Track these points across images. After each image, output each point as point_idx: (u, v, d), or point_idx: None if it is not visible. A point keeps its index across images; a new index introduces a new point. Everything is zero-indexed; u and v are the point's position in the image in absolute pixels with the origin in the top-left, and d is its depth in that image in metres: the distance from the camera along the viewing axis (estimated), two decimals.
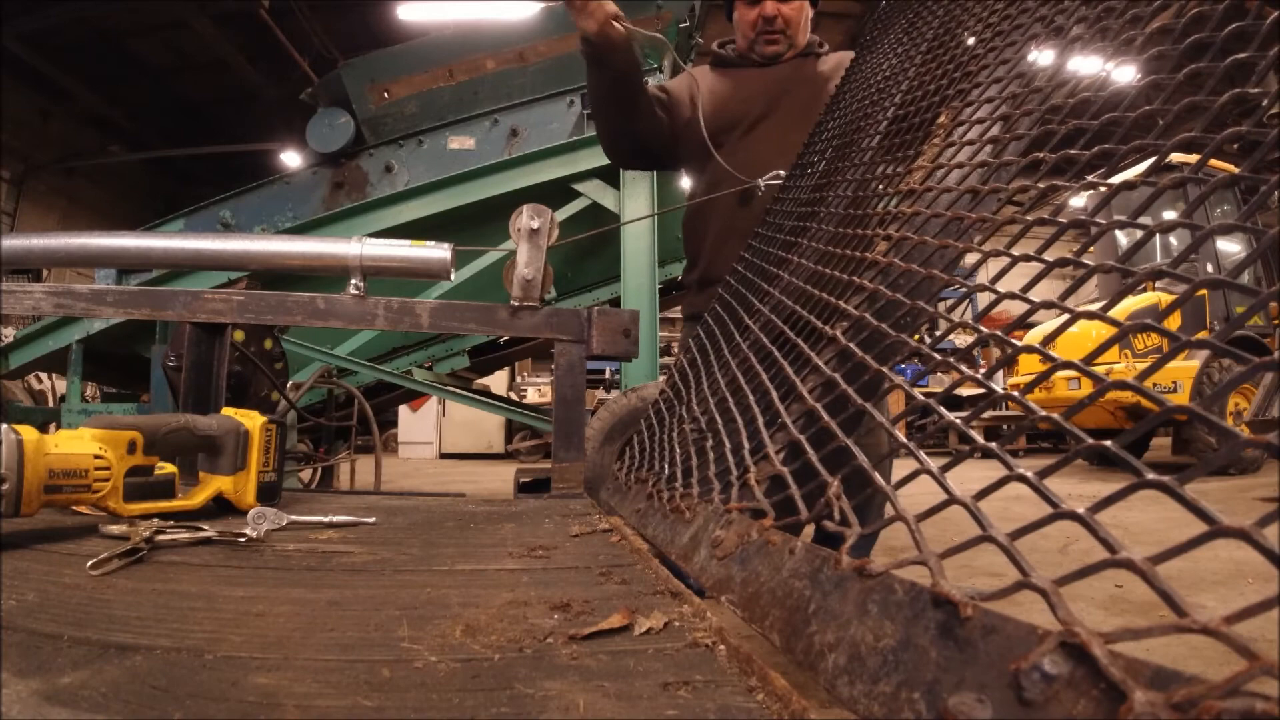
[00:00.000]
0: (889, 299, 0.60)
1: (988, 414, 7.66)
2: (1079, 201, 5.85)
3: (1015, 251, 0.49)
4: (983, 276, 0.61)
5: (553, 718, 0.36)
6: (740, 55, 1.83)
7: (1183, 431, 5.50)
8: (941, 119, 0.82)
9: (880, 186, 0.87)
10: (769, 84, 1.76)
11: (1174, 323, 5.48)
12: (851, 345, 0.59)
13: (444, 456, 10.62)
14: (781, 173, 1.52)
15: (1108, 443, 0.32)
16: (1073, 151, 0.50)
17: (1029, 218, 0.50)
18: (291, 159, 9.08)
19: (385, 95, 3.96)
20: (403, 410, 9.97)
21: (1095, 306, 0.40)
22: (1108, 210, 0.50)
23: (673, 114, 1.79)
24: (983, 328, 0.49)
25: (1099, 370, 0.40)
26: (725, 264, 1.66)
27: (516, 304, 1.29)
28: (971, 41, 0.88)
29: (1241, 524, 0.24)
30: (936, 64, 0.93)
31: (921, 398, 0.51)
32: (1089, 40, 0.59)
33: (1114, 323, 0.39)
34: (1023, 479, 0.35)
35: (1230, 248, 5.95)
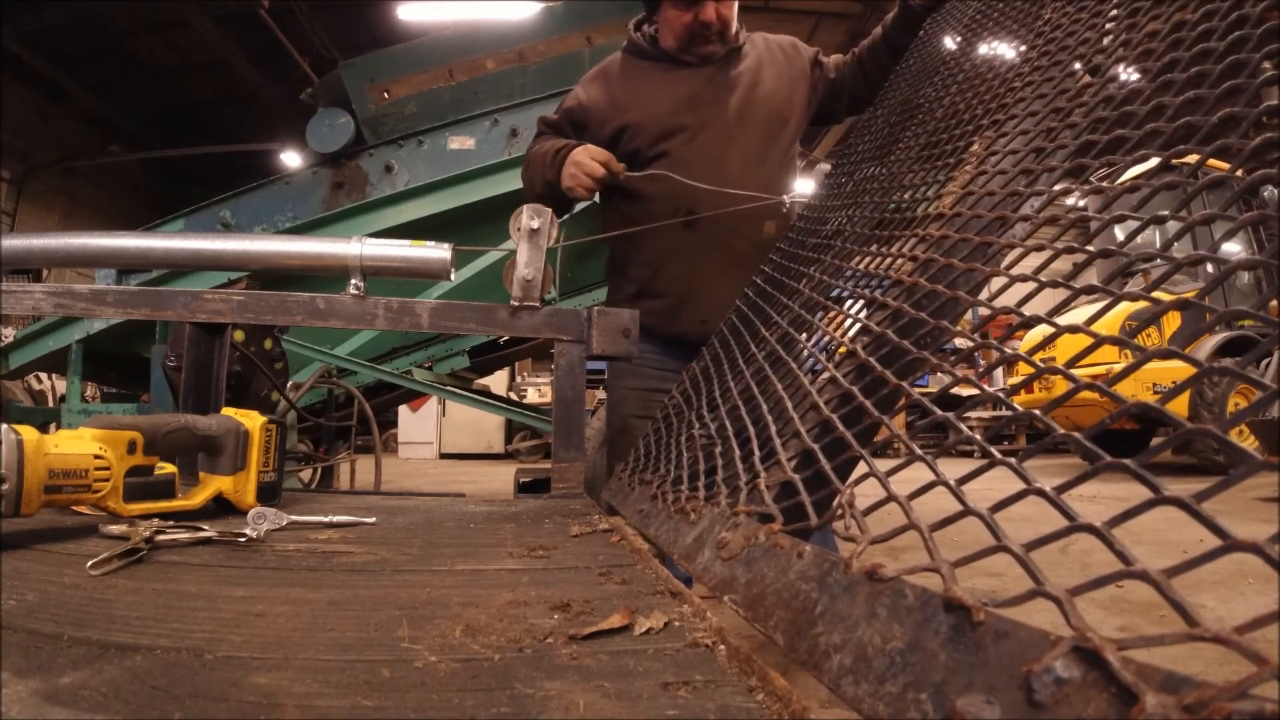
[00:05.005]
0: (913, 317, 0.60)
1: (988, 415, 7.68)
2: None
3: (1028, 264, 0.49)
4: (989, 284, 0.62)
5: (553, 718, 0.36)
6: (664, 52, 1.70)
7: None
8: (974, 147, 0.83)
9: (908, 195, 0.88)
10: (700, 89, 1.67)
11: (1173, 323, 5.50)
12: (872, 360, 0.59)
13: (444, 457, 10.62)
14: (802, 195, 1.52)
15: (1077, 434, 0.33)
16: (1081, 145, 0.50)
17: (1024, 215, 0.50)
18: (291, 159, 9.06)
19: (385, 95, 3.95)
20: (403, 410, 9.96)
21: (1093, 314, 0.41)
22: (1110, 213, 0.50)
23: (588, 135, 1.71)
24: (992, 339, 0.49)
25: (1100, 373, 0.41)
26: (666, 280, 1.64)
27: (516, 304, 1.29)
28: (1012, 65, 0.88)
29: (1255, 539, 0.25)
30: (972, 93, 0.93)
31: (939, 411, 0.48)
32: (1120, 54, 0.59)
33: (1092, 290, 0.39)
34: (1041, 493, 0.36)
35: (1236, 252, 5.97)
